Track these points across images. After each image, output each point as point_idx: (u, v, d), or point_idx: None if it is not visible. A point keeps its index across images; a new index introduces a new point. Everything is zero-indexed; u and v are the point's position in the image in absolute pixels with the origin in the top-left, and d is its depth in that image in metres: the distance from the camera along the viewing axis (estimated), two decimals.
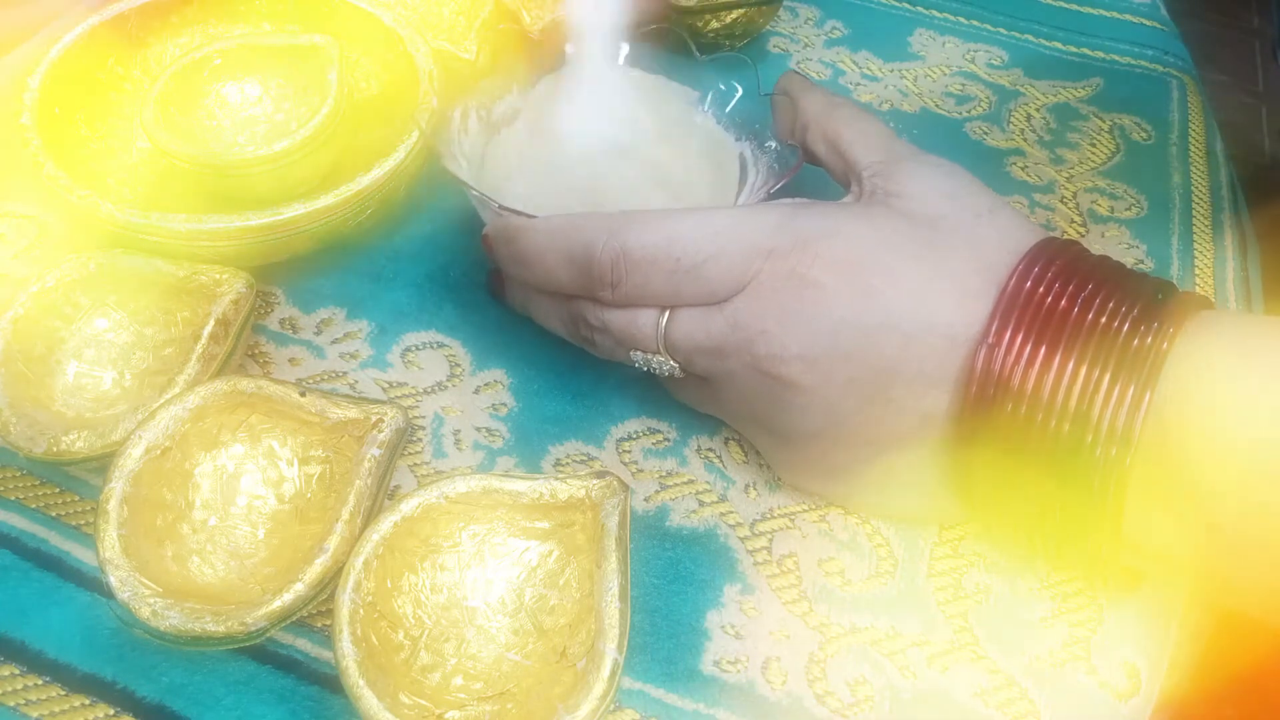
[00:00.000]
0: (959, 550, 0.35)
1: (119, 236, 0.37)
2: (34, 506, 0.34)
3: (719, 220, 0.32)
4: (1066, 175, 0.49)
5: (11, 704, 0.30)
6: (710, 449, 0.37)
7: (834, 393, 0.31)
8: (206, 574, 0.31)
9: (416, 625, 0.30)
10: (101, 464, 0.32)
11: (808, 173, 0.37)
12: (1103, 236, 0.46)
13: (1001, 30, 0.57)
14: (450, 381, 0.38)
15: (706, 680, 0.31)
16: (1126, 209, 0.47)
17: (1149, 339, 0.28)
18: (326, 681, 0.31)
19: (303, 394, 0.33)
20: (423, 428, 0.37)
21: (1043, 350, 0.29)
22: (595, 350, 0.35)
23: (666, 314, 0.32)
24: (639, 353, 0.33)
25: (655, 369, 0.34)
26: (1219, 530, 0.27)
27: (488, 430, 0.37)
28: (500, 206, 0.34)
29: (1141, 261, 0.45)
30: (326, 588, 0.30)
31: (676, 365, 0.33)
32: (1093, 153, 0.50)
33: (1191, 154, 0.51)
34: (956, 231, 0.32)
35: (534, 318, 0.37)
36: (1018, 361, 0.29)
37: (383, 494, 0.32)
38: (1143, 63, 0.56)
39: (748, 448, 0.37)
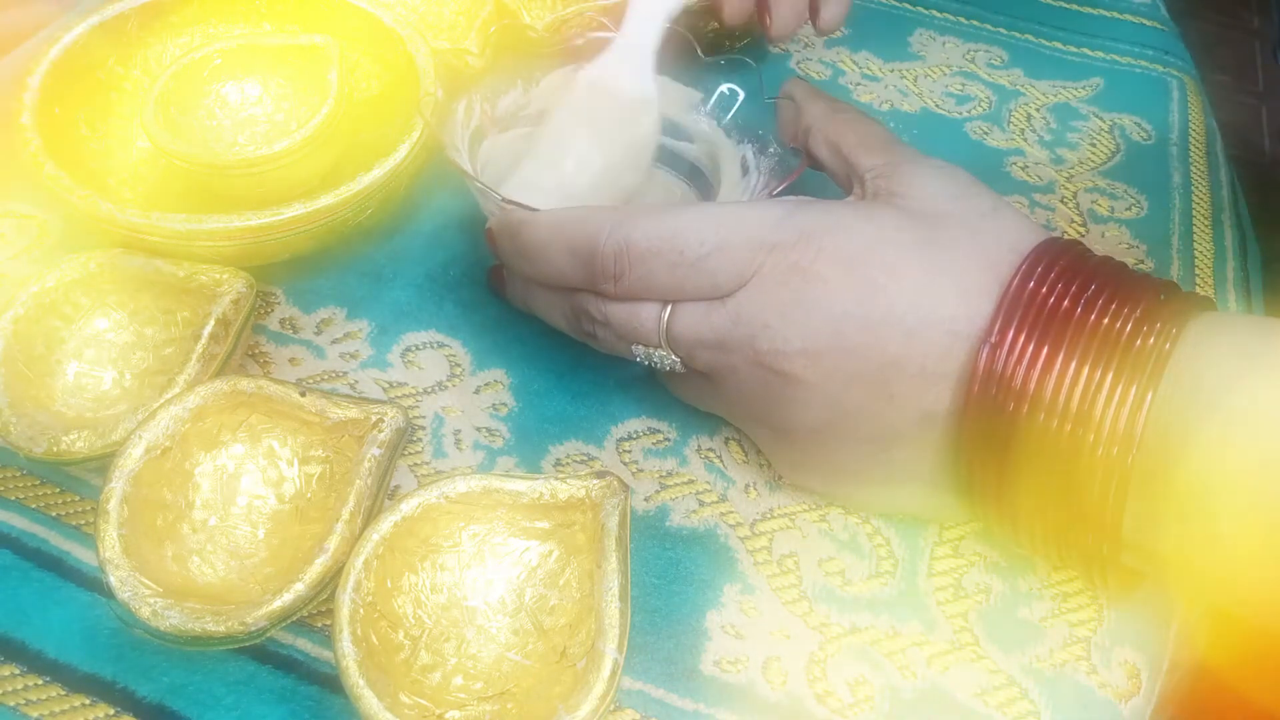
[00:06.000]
0: (959, 550, 0.35)
1: (119, 236, 0.37)
2: (34, 506, 0.34)
3: (722, 214, 0.32)
4: (1066, 175, 0.49)
5: (11, 704, 0.30)
6: (710, 449, 0.37)
7: (836, 388, 0.31)
8: (206, 574, 0.31)
9: (416, 625, 0.30)
10: (101, 464, 0.32)
11: (809, 177, 0.37)
12: (1103, 236, 0.46)
13: (1001, 30, 0.57)
14: (450, 381, 0.38)
15: (706, 680, 0.31)
16: (1126, 209, 0.47)
17: (1151, 339, 0.28)
18: (326, 681, 0.31)
19: (303, 394, 0.33)
20: (423, 428, 0.37)
21: (1045, 350, 0.29)
22: (597, 345, 0.35)
23: (669, 308, 0.32)
24: (640, 347, 0.33)
25: (657, 364, 0.34)
26: (1219, 531, 0.27)
27: (488, 430, 0.37)
28: (503, 200, 0.34)
29: (1141, 261, 0.45)
30: (326, 588, 0.30)
31: (678, 360, 0.33)
32: (1093, 153, 0.50)
33: (1191, 154, 0.51)
34: (959, 230, 0.32)
35: (535, 312, 0.37)
36: (1020, 361, 0.29)
37: (383, 494, 0.32)
38: (1143, 63, 0.56)
39: (748, 447, 0.37)
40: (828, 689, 0.31)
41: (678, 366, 0.33)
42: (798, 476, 0.35)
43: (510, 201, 0.34)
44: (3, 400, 0.33)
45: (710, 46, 0.50)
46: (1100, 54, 0.56)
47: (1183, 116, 0.53)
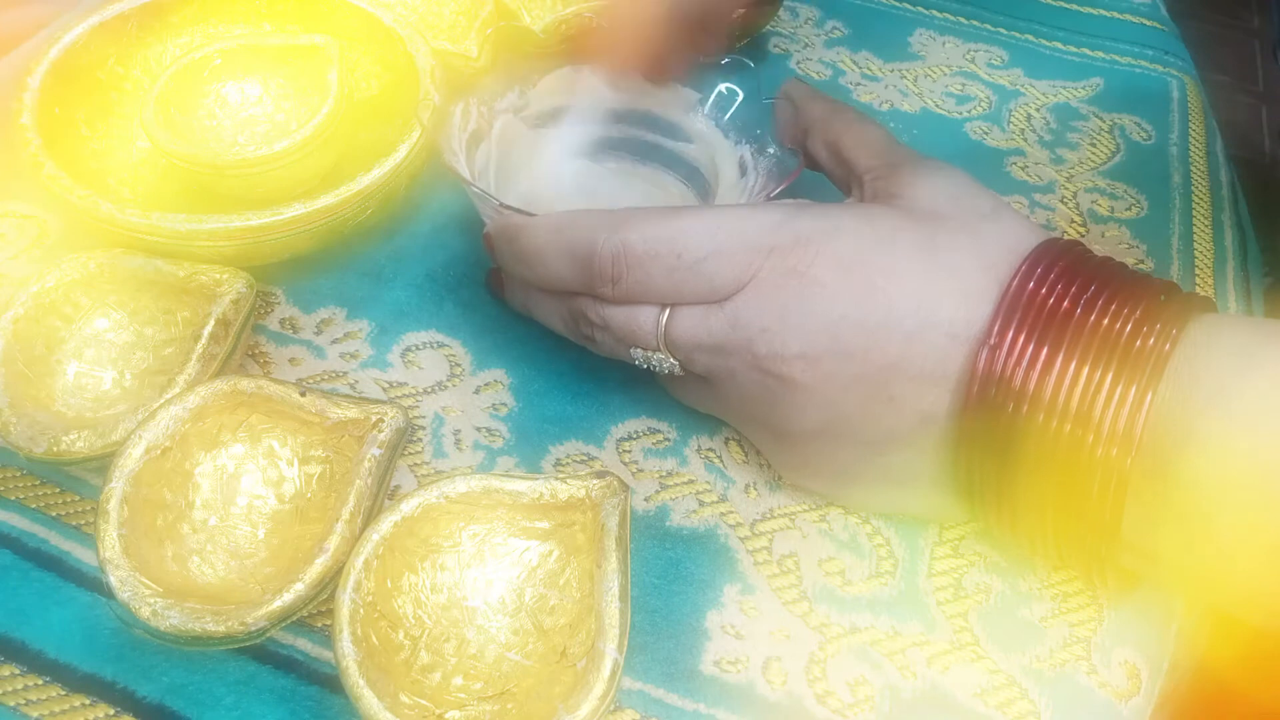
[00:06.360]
0: (959, 550, 0.35)
1: (119, 236, 0.37)
2: (34, 506, 0.34)
3: (720, 218, 0.32)
4: (1066, 175, 0.49)
5: (11, 704, 0.30)
6: (710, 449, 0.37)
7: (835, 391, 0.31)
8: (206, 574, 0.31)
9: (416, 625, 0.30)
10: (101, 464, 0.32)
11: (808, 178, 0.37)
12: (1103, 236, 0.46)
13: (1001, 30, 0.57)
14: (450, 381, 0.38)
15: (706, 680, 0.31)
16: (1126, 209, 0.47)
17: (1151, 340, 0.28)
18: (326, 681, 0.31)
19: (303, 394, 0.33)
20: (423, 428, 0.37)
21: (1045, 351, 0.29)
22: (595, 348, 0.35)
23: (667, 311, 0.32)
24: (639, 350, 0.33)
25: (655, 367, 0.34)
26: (1217, 532, 0.27)
27: (488, 430, 0.37)
28: (501, 204, 0.34)
29: (1141, 261, 0.45)
30: (326, 588, 0.30)
31: (676, 363, 0.33)
32: (1093, 153, 0.50)
33: (1191, 154, 0.51)
34: (959, 231, 0.32)
35: (534, 316, 0.37)
36: (1019, 362, 0.29)
37: (383, 494, 0.32)
38: (1143, 63, 0.56)
39: (748, 447, 0.37)
40: (828, 689, 0.31)
41: (676, 370, 0.33)
42: (797, 478, 0.35)
43: (507, 206, 0.34)
44: (3, 400, 0.33)
45: None
46: (1100, 54, 0.56)
47: (1183, 116, 0.53)
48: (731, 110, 0.41)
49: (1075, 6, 0.59)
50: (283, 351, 0.39)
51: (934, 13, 0.58)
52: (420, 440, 0.36)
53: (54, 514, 0.34)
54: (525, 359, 0.39)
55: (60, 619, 0.31)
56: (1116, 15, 0.59)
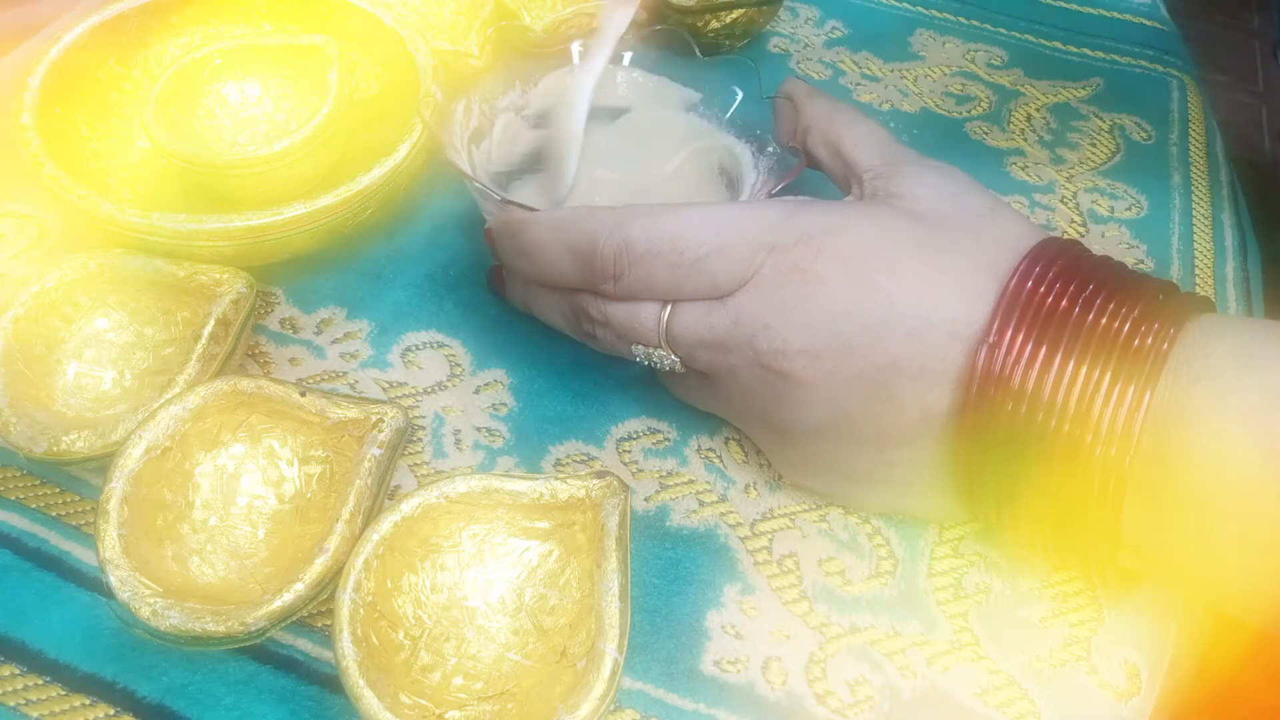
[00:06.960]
0: (959, 550, 0.35)
1: (119, 236, 0.37)
2: (34, 506, 0.34)
3: (723, 215, 0.32)
4: (1066, 175, 0.49)
5: (11, 704, 0.30)
6: (710, 449, 0.37)
7: (836, 388, 0.31)
8: (206, 574, 0.31)
9: (416, 625, 0.30)
10: (101, 464, 0.32)
11: (808, 176, 0.37)
12: (1103, 236, 0.46)
13: (1001, 30, 0.57)
14: (450, 381, 0.38)
15: (706, 680, 0.31)
16: (1126, 209, 0.47)
17: (1149, 340, 0.28)
18: (326, 681, 0.31)
19: (303, 394, 0.33)
20: (423, 428, 0.37)
21: (1044, 350, 0.29)
22: (596, 345, 0.35)
23: (668, 308, 0.32)
24: (640, 347, 0.33)
25: (656, 363, 0.34)
26: (1215, 532, 0.27)
27: (488, 430, 0.37)
28: (503, 199, 0.34)
29: (1141, 261, 0.45)
30: (326, 588, 0.30)
31: (678, 360, 0.33)
32: (1093, 153, 0.50)
33: (1191, 154, 0.51)
34: (959, 230, 0.32)
35: (535, 312, 0.37)
36: (1018, 361, 0.29)
37: (383, 494, 0.32)
38: (1143, 63, 0.56)
39: (748, 447, 0.37)
40: (828, 689, 0.31)
41: (677, 366, 0.33)
42: (798, 477, 0.35)
43: (510, 201, 0.34)
44: (3, 400, 0.33)
45: (710, 46, 0.51)
46: (1100, 54, 0.56)
47: (1183, 116, 0.53)
48: (732, 109, 0.41)
49: (1075, 6, 0.59)
50: (283, 351, 0.39)
51: (934, 13, 0.58)
52: (420, 440, 0.36)
53: (54, 514, 0.34)
54: (525, 359, 0.39)
55: (60, 619, 0.31)
56: (1116, 15, 0.59)
